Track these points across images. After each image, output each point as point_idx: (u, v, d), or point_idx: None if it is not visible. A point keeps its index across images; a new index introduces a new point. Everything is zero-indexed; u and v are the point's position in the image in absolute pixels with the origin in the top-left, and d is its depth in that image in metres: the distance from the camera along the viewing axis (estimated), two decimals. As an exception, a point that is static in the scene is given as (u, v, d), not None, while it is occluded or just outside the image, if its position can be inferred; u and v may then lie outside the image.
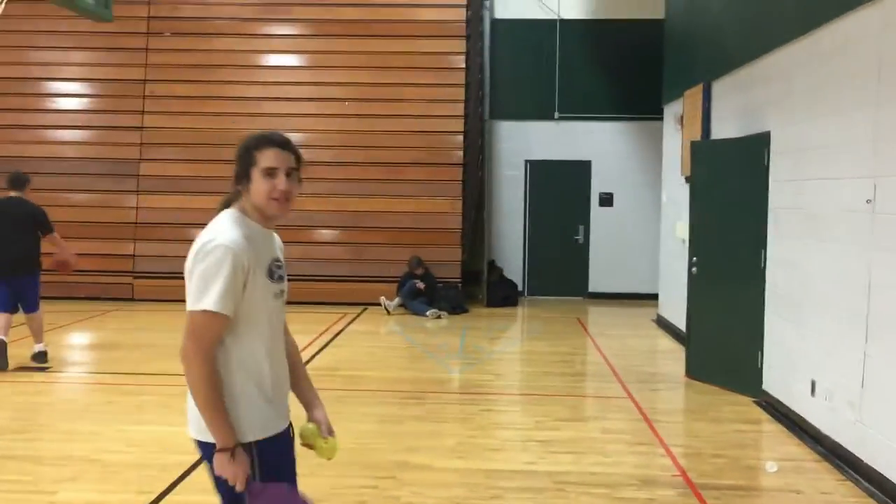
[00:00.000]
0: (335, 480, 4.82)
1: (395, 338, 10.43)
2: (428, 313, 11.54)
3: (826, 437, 5.71)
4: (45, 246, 7.92)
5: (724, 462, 5.50)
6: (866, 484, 5.02)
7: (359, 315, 11.59)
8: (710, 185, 7.84)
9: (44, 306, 8.08)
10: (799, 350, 6.30)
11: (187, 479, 4.95)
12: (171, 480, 4.90)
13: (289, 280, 2.85)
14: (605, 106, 13.76)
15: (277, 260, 2.73)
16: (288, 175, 2.62)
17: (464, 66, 13.15)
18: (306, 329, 9.92)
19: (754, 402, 7.01)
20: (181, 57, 13.11)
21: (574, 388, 7.94)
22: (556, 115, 13.88)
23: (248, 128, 12.60)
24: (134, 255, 12.77)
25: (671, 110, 10.81)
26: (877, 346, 5.05)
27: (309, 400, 2.91)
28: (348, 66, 13.08)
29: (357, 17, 13.18)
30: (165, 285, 12.29)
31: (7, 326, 7.73)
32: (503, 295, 12.99)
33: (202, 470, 5.01)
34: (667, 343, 10.04)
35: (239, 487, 2.52)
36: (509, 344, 10.32)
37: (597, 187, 13.94)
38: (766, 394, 6.93)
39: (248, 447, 2.56)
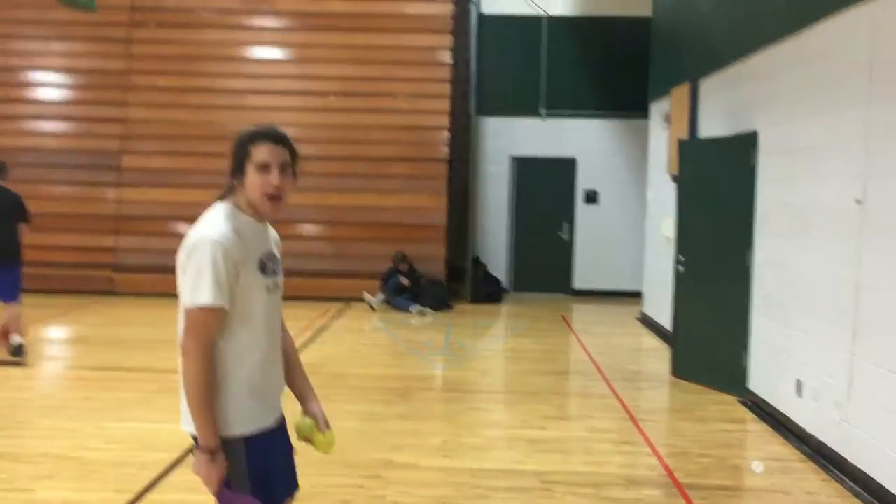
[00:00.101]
0: (319, 479, 4.75)
1: (378, 334, 10.36)
2: (412, 309, 11.48)
3: (811, 437, 5.70)
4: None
5: (710, 462, 5.48)
6: (851, 484, 5.01)
7: (342, 311, 11.51)
8: (698, 183, 7.82)
9: (21, 299, 7.94)
10: (785, 350, 6.29)
11: (167, 477, 4.87)
12: (150, 479, 4.81)
13: (272, 275, 2.78)
14: (591, 103, 13.74)
15: (271, 254, 2.70)
16: (282, 170, 2.59)
17: (450, 61, 13.08)
18: (289, 325, 9.74)
19: (739, 401, 7.00)
20: (165, 48, 12.96)
21: (559, 386, 7.90)
22: (543, 111, 13.84)
23: (231, 121, 12.58)
24: (114, 249, 12.61)
25: (657, 108, 10.79)
26: (864, 346, 5.04)
27: (304, 394, 2.90)
28: (333, 60, 12.98)
29: (343, 11, 13.09)
30: (147, 279, 12.18)
31: None
32: (487, 291, 12.95)
33: (183, 469, 4.96)
34: (651, 341, 10.03)
35: (212, 490, 2.52)
36: (494, 341, 10.27)
37: (582, 185, 13.92)
38: (752, 393, 6.92)
39: (235, 441, 2.55)
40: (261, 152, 2.57)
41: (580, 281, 13.96)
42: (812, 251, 5.87)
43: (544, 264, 13.99)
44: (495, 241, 14.02)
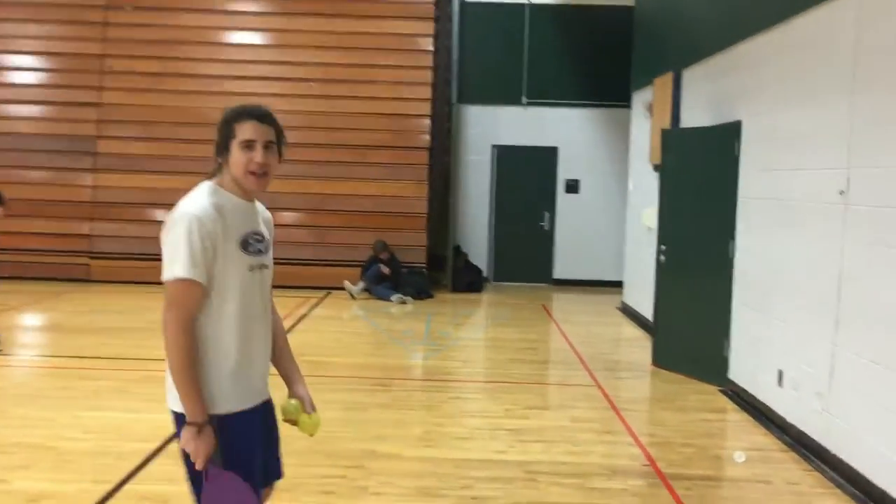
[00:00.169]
0: (300, 470, 4.70)
1: (359, 323, 10.30)
2: (393, 298, 11.42)
3: (792, 427, 5.72)
4: None
5: (693, 451, 5.48)
6: (832, 473, 5.03)
7: (322, 299, 11.43)
8: (680, 173, 7.82)
9: (-5, 286, 7.82)
10: (766, 340, 6.31)
11: (146, 468, 4.79)
12: (129, 469, 4.74)
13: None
14: (573, 92, 13.71)
15: (257, 233, 2.69)
16: (266, 148, 2.61)
17: (432, 48, 12.98)
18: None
19: (720, 390, 7.03)
20: (142, 32, 12.73)
21: (541, 375, 7.89)
22: (524, 100, 13.79)
23: (209, 106, 12.41)
24: (90, 235, 12.43)
25: (640, 98, 10.78)
26: (846, 336, 5.06)
27: (290, 376, 2.91)
28: (314, 46, 12.82)
29: (323, -4, 12.93)
30: (123, 266, 12.04)
31: None
32: (468, 280, 12.92)
33: (162, 459, 4.89)
34: (632, 331, 10.05)
35: (199, 465, 2.51)
36: (475, 330, 10.25)
37: (563, 174, 13.90)
38: (732, 383, 6.94)
39: (211, 420, 2.55)
40: (245, 130, 2.59)
41: (560, 270, 13.95)
42: (795, 241, 5.88)
43: (525, 253, 13.97)
44: (476, 230, 13.98)
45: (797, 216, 5.85)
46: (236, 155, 2.59)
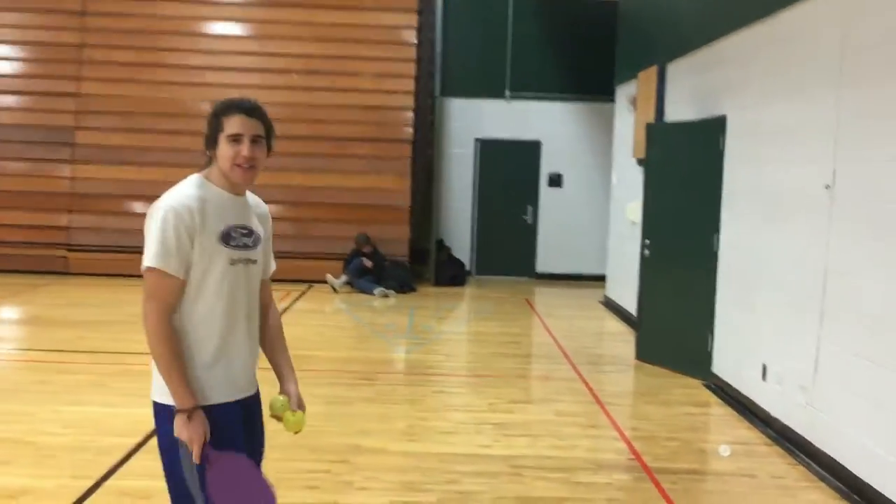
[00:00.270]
0: (285, 465, 4.64)
1: (342, 316, 10.24)
2: (375, 292, 11.36)
3: (776, 421, 5.73)
4: None
5: (678, 445, 5.48)
6: (817, 467, 5.04)
7: (304, 293, 11.35)
8: (665, 167, 7.81)
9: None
10: (750, 334, 6.32)
11: (127, 463, 4.72)
12: (109, 465, 4.66)
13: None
14: (556, 86, 13.68)
15: (243, 227, 2.68)
16: (254, 142, 2.61)
17: (415, 41, 12.91)
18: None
19: (704, 384, 7.04)
20: (120, 21, 12.56)
21: (525, 369, 7.87)
22: (507, 93, 13.75)
23: (189, 98, 12.29)
24: (68, 227, 12.27)
25: (623, 92, 10.77)
26: (831, 330, 5.07)
27: (282, 372, 2.89)
28: (296, 37, 12.70)
29: (306, -14, 12.82)
30: (102, 259, 11.89)
31: None
32: (451, 274, 12.87)
33: (142, 454, 4.81)
34: (615, 325, 10.06)
35: (195, 453, 2.48)
36: (458, 324, 10.22)
37: (546, 168, 13.87)
38: (716, 377, 6.96)
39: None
40: (233, 124, 2.59)
41: (543, 264, 13.94)
42: (780, 235, 5.89)
43: (508, 247, 13.94)
44: (459, 224, 13.93)
45: (782, 210, 5.85)
46: (224, 148, 2.59)
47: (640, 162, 9.22)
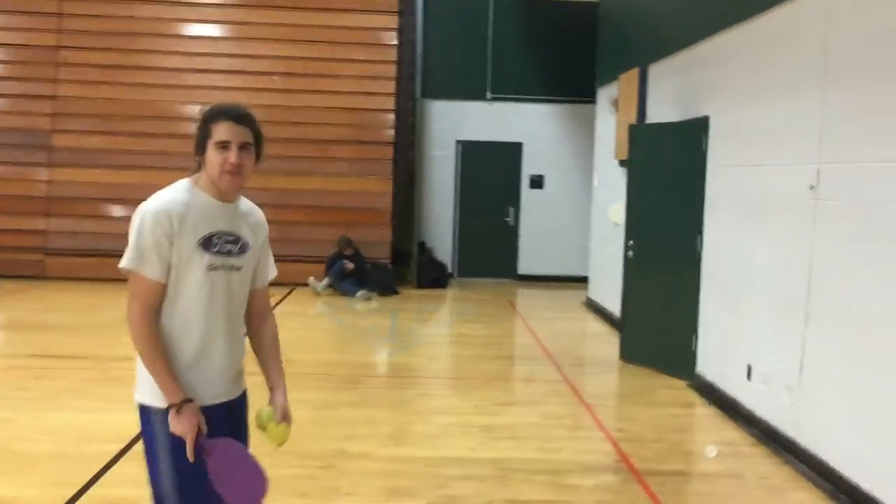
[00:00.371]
0: (271, 471, 4.50)
1: (324, 320, 10.18)
2: (358, 295, 11.31)
3: (761, 421, 5.75)
4: None
5: (664, 447, 5.49)
6: (803, 467, 5.06)
7: (286, 296, 11.27)
8: (648, 168, 7.83)
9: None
10: (734, 334, 6.34)
11: (110, 470, 4.64)
12: (92, 472, 4.58)
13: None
14: (537, 88, 13.69)
15: (228, 234, 2.67)
16: (242, 149, 2.60)
17: (396, 42, 12.87)
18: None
19: (688, 385, 7.05)
20: (97, 23, 12.41)
21: (510, 371, 7.86)
22: (489, 95, 13.75)
23: (167, 100, 12.18)
24: (45, 231, 12.11)
25: (605, 93, 10.80)
26: (817, 330, 5.09)
27: (271, 383, 2.87)
28: (275, 39, 12.63)
29: (285, -12, 12.74)
30: (79, 263, 11.74)
31: None
32: (433, 276, 12.85)
33: (125, 462, 4.74)
34: (598, 326, 10.07)
35: (188, 446, 2.50)
36: (441, 326, 10.19)
37: (528, 169, 13.88)
38: (700, 377, 6.97)
39: (156, 412, 2.57)
40: (221, 130, 2.58)
41: (525, 266, 13.94)
42: (764, 236, 5.91)
43: (490, 249, 13.93)
44: (441, 226, 13.90)
45: (766, 211, 5.87)
46: (212, 155, 2.59)
47: (622, 163, 9.24)
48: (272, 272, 2.96)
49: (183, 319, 2.58)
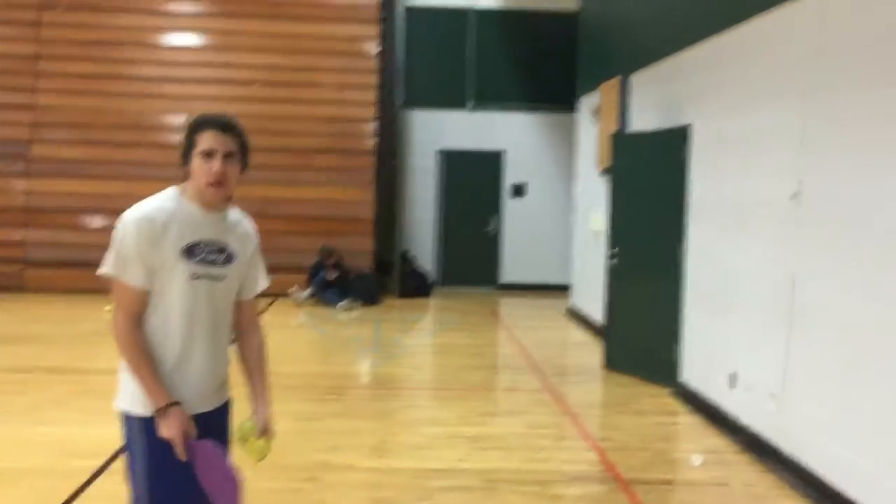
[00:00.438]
0: (253, 484, 4.47)
1: (307, 330, 10.12)
2: (339, 305, 11.26)
3: (745, 429, 5.77)
4: None
5: (650, 455, 5.49)
6: (788, 474, 5.07)
7: (268, 306, 11.21)
8: (630, 176, 7.86)
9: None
10: (717, 342, 6.37)
11: (93, 485, 4.58)
12: (75, 487, 4.52)
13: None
14: (518, 97, 13.74)
15: (213, 243, 2.65)
16: (226, 158, 2.60)
17: (376, 52, 12.86)
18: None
19: (671, 393, 7.06)
20: (76, 32, 12.31)
21: (494, 381, 7.84)
22: (470, 104, 13.77)
23: (147, 110, 12.10)
24: (24, 243, 11.96)
25: (586, 102, 10.84)
26: (800, 337, 5.11)
27: (254, 397, 2.87)
28: (255, 49, 12.58)
29: (265, -2, 12.71)
30: (58, 275, 11.61)
31: None
32: (415, 286, 12.83)
33: (108, 476, 4.67)
34: (581, 335, 10.08)
35: (178, 450, 2.52)
36: (425, 336, 10.16)
37: (509, 178, 13.91)
38: (683, 385, 6.99)
39: (135, 420, 2.59)
40: (205, 140, 2.59)
41: (507, 274, 13.96)
42: (747, 244, 5.94)
43: (472, 258, 13.94)
44: (422, 235, 13.90)
45: (749, 218, 5.91)
46: (197, 164, 2.59)
47: (604, 172, 9.27)
48: (262, 283, 2.95)
49: (160, 327, 2.59)
